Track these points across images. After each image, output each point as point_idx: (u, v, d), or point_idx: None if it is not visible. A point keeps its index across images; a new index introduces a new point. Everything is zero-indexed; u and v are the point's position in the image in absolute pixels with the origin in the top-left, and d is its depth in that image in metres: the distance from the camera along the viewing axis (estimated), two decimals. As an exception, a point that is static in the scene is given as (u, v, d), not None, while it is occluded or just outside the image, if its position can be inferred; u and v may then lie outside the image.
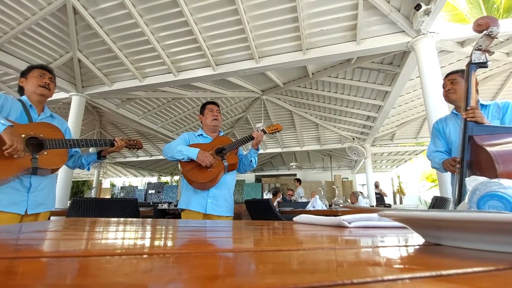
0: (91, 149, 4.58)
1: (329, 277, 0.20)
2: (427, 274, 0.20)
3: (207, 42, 4.05)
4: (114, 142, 1.79)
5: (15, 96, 1.67)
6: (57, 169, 1.64)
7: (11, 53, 4.19)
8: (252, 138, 2.00)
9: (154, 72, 4.75)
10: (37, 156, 1.50)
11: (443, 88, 1.91)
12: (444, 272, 0.21)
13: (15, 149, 1.38)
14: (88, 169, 1.91)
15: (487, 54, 1.49)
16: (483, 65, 1.49)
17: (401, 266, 0.24)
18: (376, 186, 8.93)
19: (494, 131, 1.41)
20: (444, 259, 0.27)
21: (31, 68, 1.70)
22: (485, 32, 1.44)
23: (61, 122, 1.79)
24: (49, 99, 1.76)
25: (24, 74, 1.70)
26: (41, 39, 4.03)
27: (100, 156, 1.84)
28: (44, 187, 1.62)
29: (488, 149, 1.28)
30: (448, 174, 1.92)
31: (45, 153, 1.54)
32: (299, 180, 9.34)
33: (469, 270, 0.22)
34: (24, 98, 1.65)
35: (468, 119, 1.46)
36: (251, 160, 2.08)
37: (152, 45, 4.08)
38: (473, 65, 1.51)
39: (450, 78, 1.86)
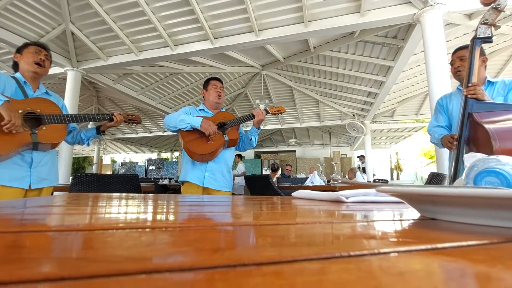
0: (90, 125, 4.57)
1: (326, 249, 0.20)
2: (422, 247, 0.21)
3: (205, 13, 3.88)
4: (113, 116, 1.78)
5: (8, 71, 1.63)
6: (57, 144, 1.64)
7: (1, 26, 4.02)
8: (253, 116, 2.00)
9: (151, 45, 4.60)
10: (36, 131, 1.51)
11: (451, 65, 1.85)
12: (439, 245, 0.21)
13: (13, 124, 1.38)
14: (88, 144, 1.92)
15: (493, 29, 1.43)
16: (488, 40, 1.44)
17: (397, 240, 0.24)
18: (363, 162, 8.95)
19: (493, 108, 1.40)
20: (439, 233, 0.28)
21: (27, 45, 1.67)
22: (492, 5, 1.37)
23: (57, 98, 1.77)
24: (43, 75, 1.73)
25: (19, 50, 1.67)
26: (32, 10, 3.85)
27: (99, 131, 1.84)
28: (46, 163, 1.64)
29: (486, 126, 1.28)
30: (446, 150, 1.94)
31: (44, 128, 1.54)
32: (240, 156, 9.20)
33: (464, 243, 0.23)
34: (17, 75, 1.62)
35: (469, 96, 1.44)
36: (251, 139, 2.09)
37: (148, 17, 3.91)
38: (477, 40, 1.45)
39: (459, 55, 1.79)
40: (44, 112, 1.56)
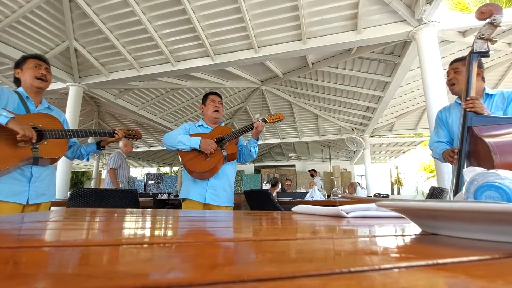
0: (89, 140, 4.58)
1: (327, 265, 0.20)
2: (423, 263, 0.21)
3: (206, 31, 3.99)
4: (114, 133, 1.78)
5: (12, 86, 1.65)
6: (57, 159, 1.64)
7: (6, 42, 4.12)
8: (252, 127, 1.99)
9: (152, 62, 4.69)
10: (37, 146, 1.51)
11: (447, 76, 1.85)
12: (440, 261, 0.21)
13: (28, 137, 1.41)
14: (88, 160, 1.92)
15: (489, 43, 1.45)
16: (485, 54, 1.46)
17: (398, 255, 0.24)
18: (312, 175, 8.84)
19: (493, 121, 1.39)
20: (440, 248, 0.28)
21: (25, 59, 1.67)
22: (488, 20, 1.40)
23: (59, 113, 1.78)
24: (46, 89, 1.75)
25: (19, 65, 1.67)
26: (36, 27, 3.96)
27: (99, 146, 1.84)
28: (45, 178, 1.63)
29: (486, 140, 1.28)
30: (447, 164, 1.92)
31: (45, 143, 1.54)
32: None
33: (465, 259, 0.22)
34: (20, 89, 1.63)
35: (468, 109, 1.45)
36: (251, 150, 2.07)
37: (150, 34, 4.01)
38: (474, 54, 1.47)
39: (454, 67, 1.79)
40: (45, 127, 1.56)
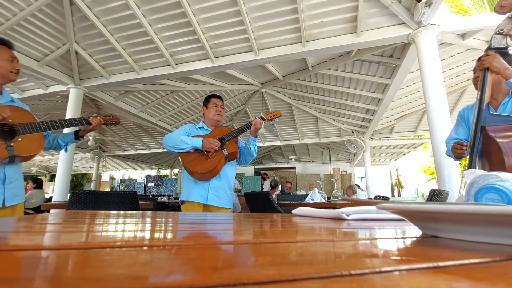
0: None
1: (327, 268, 0.20)
2: (424, 265, 0.21)
3: (206, 34, 4.00)
4: (90, 120, 1.69)
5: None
6: (34, 156, 1.52)
7: (7, 45, 4.13)
8: (250, 125, 1.99)
9: (152, 64, 4.70)
10: (11, 144, 1.39)
11: (473, 73, 1.74)
12: (441, 264, 0.21)
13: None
14: (66, 150, 1.81)
15: (508, 39, 1.38)
16: (503, 50, 1.39)
17: (399, 258, 0.24)
18: (264, 178, 8.68)
19: (507, 121, 1.34)
20: (441, 251, 0.28)
21: None
22: (508, 14, 1.33)
23: (23, 106, 1.63)
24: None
25: None
26: (37, 30, 3.97)
27: (77, 136, 1.75)
28: (17, 178, 1.53)
29: (499, 140, 1.24)
30: (447, 166, 1.90)
31: (20, 139, 1.42)
32: None
33: (466, 261, 0.22)
34: None
35: (482, 63, 1.39)
36: (250, 148, 2.07)
37: (150, 37, 4.03)
38: (491, 51, 1.41)
39: (479, 63, 1.68)
40: (16, 121, 1.43)
